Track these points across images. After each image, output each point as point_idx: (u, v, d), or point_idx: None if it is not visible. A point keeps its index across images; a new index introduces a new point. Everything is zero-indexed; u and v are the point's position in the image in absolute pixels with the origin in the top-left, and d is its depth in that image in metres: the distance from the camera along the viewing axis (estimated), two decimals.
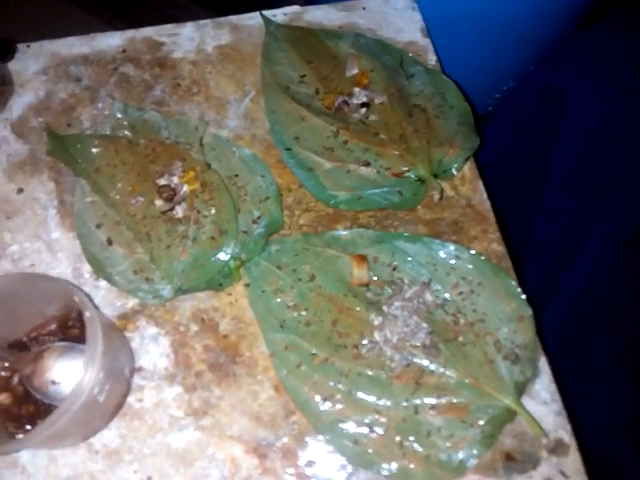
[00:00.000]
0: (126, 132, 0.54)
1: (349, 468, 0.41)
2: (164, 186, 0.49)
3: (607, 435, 0.55)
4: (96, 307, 0.45)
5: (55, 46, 0.60)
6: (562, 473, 0.40)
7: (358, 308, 0.45)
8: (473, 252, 0.46)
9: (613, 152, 0.61)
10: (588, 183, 0.62)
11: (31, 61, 0.59)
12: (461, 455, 0.40)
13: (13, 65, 0.58)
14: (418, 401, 0.41)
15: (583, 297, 0.60)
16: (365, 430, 0.41)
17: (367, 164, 0.52)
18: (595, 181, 0.61)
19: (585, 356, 0.59)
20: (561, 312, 0.60)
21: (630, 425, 0.56)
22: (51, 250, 0.49)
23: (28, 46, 0.60)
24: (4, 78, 0.56)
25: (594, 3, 0.78)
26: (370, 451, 0.40)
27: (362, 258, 0.46)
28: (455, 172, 0.52)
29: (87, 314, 0.35)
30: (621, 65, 0.64)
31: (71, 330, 0.43)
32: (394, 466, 0.40)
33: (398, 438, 0.40)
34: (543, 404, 0.42)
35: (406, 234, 0.48)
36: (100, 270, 0.47)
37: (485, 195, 0.52)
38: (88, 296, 0.45)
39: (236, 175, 0.52)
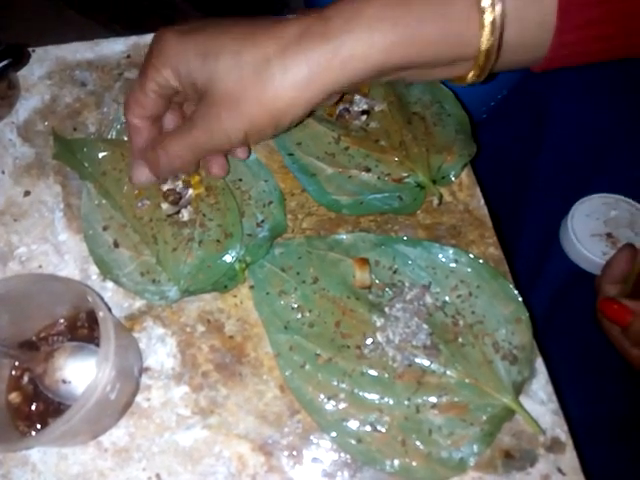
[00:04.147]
0: None
1: (353, 465, 0.42)
2: (170, 190, 0.50)
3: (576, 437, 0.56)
4: (108, 307, 0.46)
5: (60, 51, 0.61)
6: (559, 470, 0.41)
7: (361, 310, 0.46)
8: (471, 256, 0.48)
9: (593, 156, 0.63)
10: (568, 185, 0.64)
11: (36, 66, 0.60)
12: (461, 453, 0.41)
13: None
14: (420, 400, 0.42)
15: (556, 296, 0.62)
16: (368, 428, 0.42)
17: (368, 170, 0.53)
18: (575, 183, 0.63)
19: (553, 358, 0.61)
20: (537, 310, 0.62)
21: (596, 428, 0.58)
22: (58, 252, 0.49)
23: (33, 51, 0.61)
24: (10, 83, 0.57)
25: None
26: (373, 449, 0.41)
27: (364, 261, 0.48)
28: (453, 178, 0.53)
29: (100, 314, 0.36)
30: (604, 73, 0.66)
31: (80, 330, 0.43)
32: (397, 463, 0.41)
33: (400, 436, 0.41)
34: (540, 403, 0.43)
35: (406, 238, 0.50)
36: (107, 272, 0.48)
37: (482, 201, 0.53)
38: (99, 296, 0.45)
39: (240, 179, 0.53)
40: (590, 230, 0.57)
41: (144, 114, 0.45)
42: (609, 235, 0.57)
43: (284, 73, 0.38)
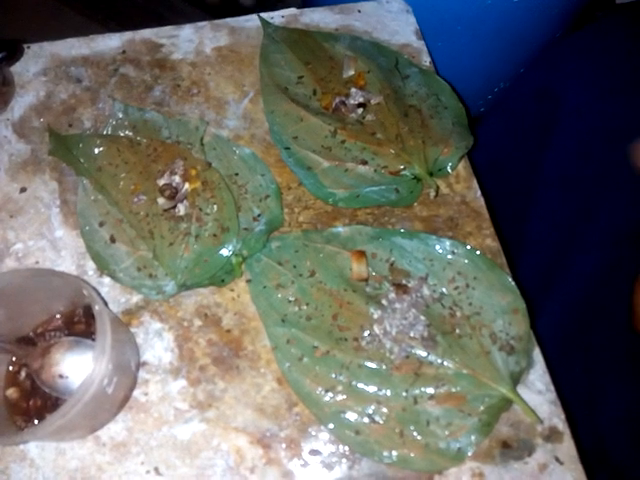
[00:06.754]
0: (127, 132, 0.55)
1: (351, 457, 0.42)
2: (166, 185, 0.50)
3: (611, 433, 0.56)
4: (105, 302, 0.46)
5: (55, 47, 0.61)
6: (557, 459, 0.41)
7: (358, 302, 0.46)
8: (469, 247, 0.48)
9: (605, 150, 0.62)
10: (582, 181, 0.63)
11: (31, 62, 0.60)
12: (459, 443, 0.41)
13: (13, 66, 0.59)
14: (417, 391, 0.42)
15: (582, 294, 0.61)
16: (366, 420, 0.42)
17: (365, 163, 0.53)
18: (589, 179, 0.62)
19: (586, 353, 0.60)
20: (560, 308, 0.61)
21: (634, 424, 0.57)
22: (55, 248, 0.49)
23: (28, 47, 0.61)
24: (5, 79, 0.57)
25: (583, 7, 0.80)
26: (371, 440, 0.41)
27: (361, 254, 0.48)
28: (450, 170, 0.53)
29: (96, 307, 0.36)
30: (609, 65, 0.66)
31: (77, 326, 0.43)
32: (395, 454, 0.41)
33: (398, 427, 0.41)
34: (538, 393, 0.43)
35: (403, 230, 0.50)
36: (104, 267, 0.48)
37: (479, 192, 0.53)
38: (96, 290, 0.45)
39: (236, 174, 0.53)
40: None
41: None
42: None
43: None
